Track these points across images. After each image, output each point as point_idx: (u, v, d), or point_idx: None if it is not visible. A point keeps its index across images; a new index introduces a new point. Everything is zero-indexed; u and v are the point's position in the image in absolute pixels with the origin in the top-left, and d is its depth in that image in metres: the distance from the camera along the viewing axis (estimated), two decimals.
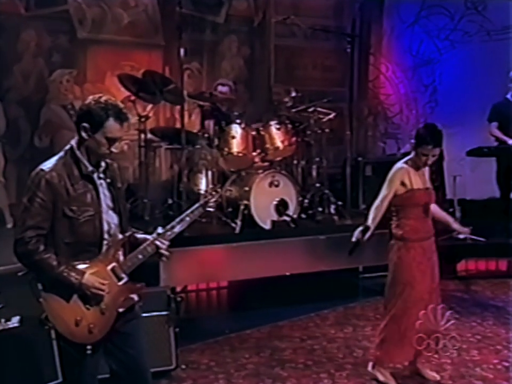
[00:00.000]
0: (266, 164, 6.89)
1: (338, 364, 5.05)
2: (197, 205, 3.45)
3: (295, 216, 6.58)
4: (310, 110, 6.99)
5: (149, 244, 3.25)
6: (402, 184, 4.50)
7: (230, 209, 6.60)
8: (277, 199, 6.54)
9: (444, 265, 7.53)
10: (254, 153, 6.71)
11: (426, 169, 4.67)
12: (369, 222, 4.47)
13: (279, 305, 6.43)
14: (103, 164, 3.23)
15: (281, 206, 6.55)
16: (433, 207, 4.72)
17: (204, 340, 5.54)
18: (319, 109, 7.04)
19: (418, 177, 4.56)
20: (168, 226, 3.32)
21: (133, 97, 7.10)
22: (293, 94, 7.04)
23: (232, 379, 4.80)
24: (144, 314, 4.46)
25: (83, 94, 7.76)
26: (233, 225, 6.40)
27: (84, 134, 3.12)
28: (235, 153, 6.59)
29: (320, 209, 6.96)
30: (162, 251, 3.27)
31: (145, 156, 7.01)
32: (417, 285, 4.50)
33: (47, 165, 3.14)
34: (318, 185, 7.10)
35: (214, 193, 3.54)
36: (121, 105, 3.19)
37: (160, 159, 7.33)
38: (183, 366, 4.94)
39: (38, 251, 3.04)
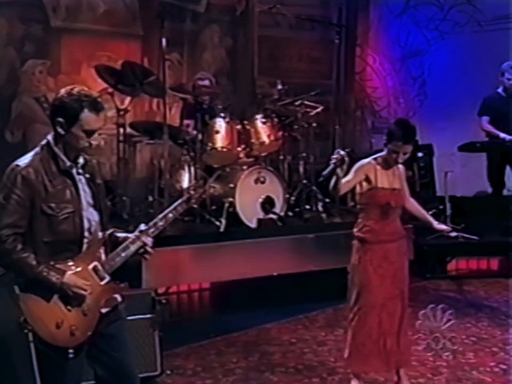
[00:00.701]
0: (251, 159, 6.89)
1: (330, 367, 5.06)
2: (179, 201, 3.44)
3: (282, 214, 6.58)
4: (297, 103, 6.98)
5: (132, 241, 3.23)
6: (367, 179, 4.39)
7: (214, 207, 6.59)
8: (263, 197, 6.55)
9: (435, 264, 7.78)
10: (239, 149, 6.70)
11: (401, 171, 4.56)
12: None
13: (265, 307, 6.44)
14: (81, 159, 3.22)
15: (267, 204, 6.55)
16: (412, 206, 4.65)
17: (189, 344, 5.52)
18: (306, 102, 7.04)
19: (386, 177, 4.43)
20: (151, 223, 3.32)
21: (110, 90, 7.06)
22: (279, 87, 7.05)
23: None
24: (127, 318, 4.55)
25: (57, 85, 7.67)
26: (217, 223, 6.38)
27: (60, 130, 3.11)
28: (219, 149, 6.58)
29: (307, 206, 6.97)
30: (147, 248, 3.26)
31: (123, 151, 6.97)
32: (374, 289, 4.39)
33: (23, 160, 3.12)
34: (305, 181, 7.12)
35: (197, 189, 3.55)
36: (95, 95, 3.18)
37: (141, 155, 7.28)
38: (168, 372, 4.91)
39: (16, 250, 3.01)
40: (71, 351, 3.07)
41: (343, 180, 4.34)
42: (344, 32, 9.04)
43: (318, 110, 7.09)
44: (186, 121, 7.04)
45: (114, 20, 7.97)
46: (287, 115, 7.06)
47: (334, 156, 4.31)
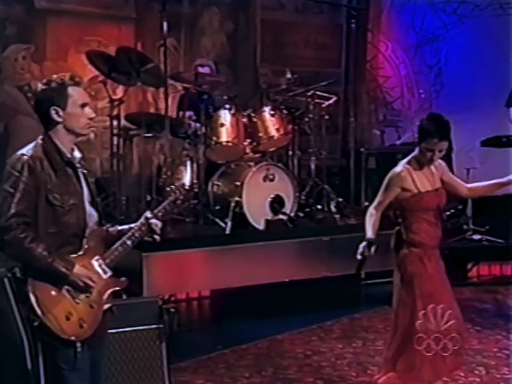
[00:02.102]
0: (258, 155, 6.91)
1: (353, 383, 5.08)
2: (167, 201, 3.59)
3: (292, 214, 6.61)
4: (309, 93, 7.00)
5: (138, 229, 3.42)
6: (404, 189, 4.34)
7: (218, 207, 6.61)
8: (272, 196, 6.57)
9: (455, 270, 7.83)
10: (245, 143, 6.72)
11: (441, 165, 4.51)
12: (370, 234, 4.38)
13: (274, 316, 6.44)
14: (78, 153, 3.40)
15: (277, 203, 6.58)
16: (476, 189, 4.63)
17: (195, 357, 5.53)
18: (318, 92, 7.06)
19: (425, 178, 4.40)
20: (155, 211, 3.51)
21: (101, 78, 7.07)
22: (288, 76, 7.05)
23: None
24: (132, 328, 4.56)
25: (42, 73, 7.68)
26: (222, 224, 6.40)
27: (58, 118, 3.27)
28: (224, 143, 6.60)
29: (319, 206, 6.99)
30: (155, 234, 3.47)
31: (117, 145, 6.97)
32: (440, 297, 4.42)
33: (27, 150, 3.29)
34: (316, 179, 7.14)
35: (180, 189, 3.63)
36: (67, 74, 3.34)
37: (137, 150, 7.28)
38: None
39: (27, 239, 3.16)
40: (78, 344, 3.24)
41: (374, 203, 4.43)
42: (347, 15, 9.07)
43: (331, 101, 7.10)
44: (188, 113, 7.03)
45: (105, 1, 7.99)
46: (297, 107, 7.08)
47: (359, 254, 4.39)
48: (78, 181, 3.35)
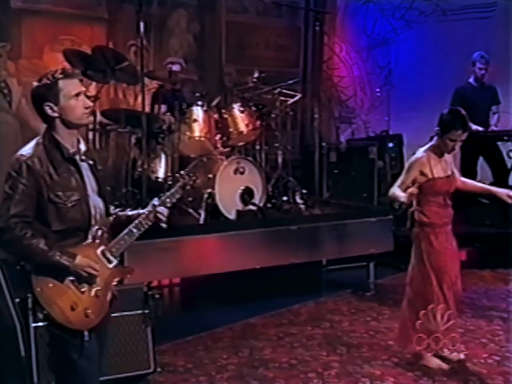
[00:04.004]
0: (227, 149, 6.85)
1: (324, 362, 5.08)
2: (175, 187, 3.52)
3: (261, 205, 6.57)
4: (275, 92, 6.97)
5: (146, 217, 3.32)
6: (422, 173, 4.67)
7: (191, 198, 6.52)
8: (242, 187, 6.52)
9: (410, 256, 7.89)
10: (217, 138, 6.65)
11: (451, 155, 4.86)
12: (403, 198, 4.56)
13: (245, 301, 6.45)
14: (83, 146, 3.29)
15: (247, 195, 6.53)
16: (466, 184, 4.99)
17: (173, 340, 5.47)
18: (284, 90, 7.03)
19: (440, 165, 4.75)
20: (161, 199, 3.41)
21: None
22: (256, 75, 7.00)
23: (215, 382, 4.75)
24: (119, 314, 4.48)
25: (18, 70, 7.52)
26: (196, 215, 6.32)
27: (52, 113, 3.16)
28: (197, 138, 6.52)
29: (285, 198, 6.96)
30: (162, 221, 3.36)
31: (93, 140, 6.82)
32: (449, 269, 4.79)
33: (26, 150, 3.17)
34: (280, 172, 7.11)
35: (189, 175, 3.61)
36: (59, 69, 3.24)
37: (115, 144, 7.13)
38: (159, 369, 4.85)
39: (26, 236, 3.08)
40: (86, 333, 3.16)
41: (397, 182, 4.69)
42: (312, 18, 9.08)
43: (296, 98, 7.08)
44: (163, 109, 6.93)
45: (78, 2, 7.83)
46: (264, 104, 7.04)
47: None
48: (80, 176, 3.21)
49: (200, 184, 6.51)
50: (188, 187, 3.58)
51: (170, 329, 5.76)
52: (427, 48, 9.55)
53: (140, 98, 7.83)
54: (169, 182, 6.44)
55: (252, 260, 6.24)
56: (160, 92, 7.12)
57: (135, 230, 3.30)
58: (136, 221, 3.31)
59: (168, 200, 3.42)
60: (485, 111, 8.25)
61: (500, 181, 8.25)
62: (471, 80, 8.28)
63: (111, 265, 3.27)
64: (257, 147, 7.06)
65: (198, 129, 6.51)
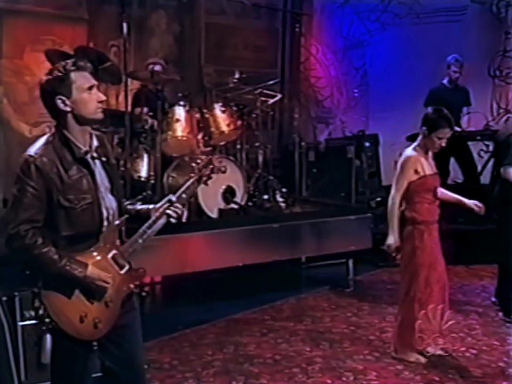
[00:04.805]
0: (209, 148, 6.83)
1: (308, 357, 5.09)
2: (191, 181, 3.31)
3: (242, 203, 6.57)
4: (256, 92, 6.97)
5: (160, 215, 3.12)
6: (416, 171, 4.73)
7: None
8: (224, 186, 6.51)
9: (387, 253, 7.92)
10: (198, 137, 6.64)
11: (430, 154, 4.90)
12: (393, 240, 4.76)
13: (227, 298, 6.44)
14: (95, 142, 3.09)
15: (228, 193, 6.52)
16: (441, 192, 5.01)
17: (158, 337, 5.45)
18: (264, 91, 7.04)
19: (427, 163, 4.83)
20: (177, 194, 3.23)
21: None
22: (237, 76, 7.00)
23: (202, 378, 4.74)
24: None
25: None
26: None
27: (65, 107, 2.96)
28: (179, 137, 6.50)
29: (265, 196, 6.96)
30: (171, 217, 3.15)
31: None
32: (438, 266, 4.85)
33: (35, 149, 2.95)
34: (260, 171, 7.11)
35: (207, 166, 3.36)
36: (69, 61, 3.03)
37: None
38: (145, 366, 4.81)
39: (36, 245, 2.89)
40: (95, 343, 3.03)
41: (393, 191, 4.78)
42: (290, 20, 9.10)
43: (277, 98, 7.09)
44: (139, 109, 6.89)
45: (59, 2, 7.73)
46: (245, 104, 7.04)
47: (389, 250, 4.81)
48: (92, 177, 3.02)
49: (182, 183, 6.47)
50: (205, 178, 3.30)
51: (155, 326, 5.72)
52: (401, 50, 9.62)
53: (121, 98, 7.87)
54: (152, 181, 6.43)
55: (235, 257, 6.23)
56: (141, 92, 7.07)
57: (149, 231, 3.11)
58: (150, 221, 3.11)
59: (184, 195, 3.22)
60: (457, 111, 8.32)
61: (470, 180, 8.36)
62: (445, 81, 8.36)
63: (122, 271, 3.09)
64: (238, 146, 7.06)
65: (180, 129, 6.49)
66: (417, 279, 4.79)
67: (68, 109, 2.96)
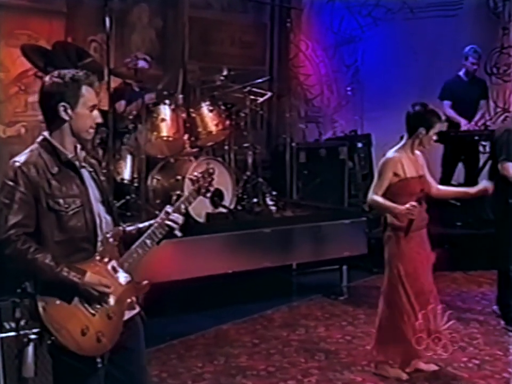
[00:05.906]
0: (196, 150, 6.82)
1: (303, 369, 5.09)
2: (189, 191, 3.38)
3: (231, 207, 6.55)
4: (245, 90, 6.95)
5: (159, 226, 3.17)
6: (395, 174, 4.65)
7: (158, 201, 6.47)
8: (212, 189, 6.47)
9: (381, 258, 7.95)
10: (185, 138, 6.61)
11: (422, 159, 4.84)
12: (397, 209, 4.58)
13: (216, 307, 6.40)
14: (82, 152, 3.13)
15: (216, 197, 6.49)
16: (442, 191, 4.98)
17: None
18: (253, 89, 7.02)
19: (412, 165, 4.73)
20: (176, 206, 3.27)
21: (31, 72, 6.79)
22: (225, 73, 6.98)
23: None
24: None
25: None
26: None
27: (65, 115, 3.00)
28: (165, 138, 6.47)
29: (255, 200, 6.95)
30: (176, 232, 3.21)
31: None
32: (419, 276, 4.72)
33: (20, 157, 3.02)
34: (249, 173, 7.10)
35: (205, 177, 3.42)
36: (83, 72, 3.10)
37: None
38: None
39: (30, 250, 2.89)
40: (99, 360, 2.98)
41: (372, 188, 4.70)
42: (278, 15, 9.10)
43: (266, 97, 7.08)
44: (129, 107, 6.85)
45: None
46: (233, 102, 7.02)
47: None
48: (81, 181, 3.05)
49: (168, 186, 6.48)
50: (203, 190, 3.39)
51: None
52: (394, 46, 9.63)
53: (101, 96, 7.81)
54: (136, 184, 6.40)
55: (223, 264, 6.22)
56: (122, 89, 7.01)
57: (148, 241, 3.13)
58: (149, 231, 3.13)
59: (182, 206, 3.26)
60: (474, 105, 8.25)
61: (471, 181, 8.36)
62: (461, 73, 8.18)
63: (124, 282, 3.07)
64: (226, 147, 7.03)
65: (165, 129, 6.47)
66: (397, 290, 4.71)
67: (67, 118, 3.01)
